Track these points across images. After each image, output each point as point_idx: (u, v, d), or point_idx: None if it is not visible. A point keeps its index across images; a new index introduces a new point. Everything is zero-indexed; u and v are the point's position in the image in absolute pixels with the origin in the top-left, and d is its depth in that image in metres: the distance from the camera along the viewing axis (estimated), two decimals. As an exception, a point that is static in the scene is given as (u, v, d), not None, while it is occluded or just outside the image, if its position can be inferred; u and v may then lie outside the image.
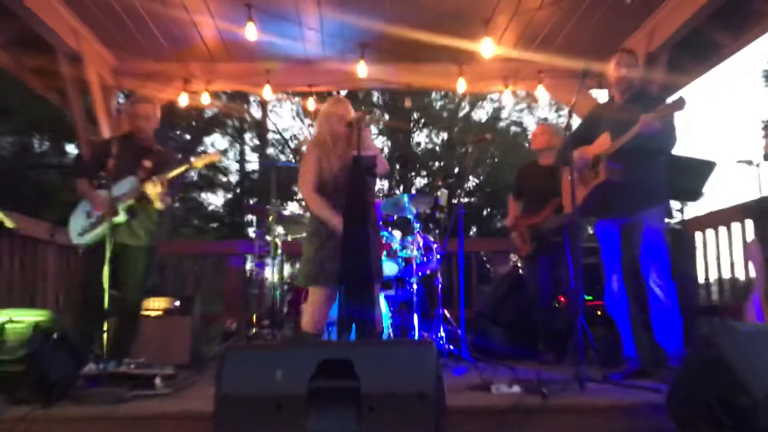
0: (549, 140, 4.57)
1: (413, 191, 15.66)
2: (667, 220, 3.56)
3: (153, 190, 3.60)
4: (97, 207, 3.65)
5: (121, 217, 3.62)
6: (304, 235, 3.64)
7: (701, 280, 4.94)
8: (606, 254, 3.56)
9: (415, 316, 4.36)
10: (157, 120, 3.93)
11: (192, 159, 3.85)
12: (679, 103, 3.04)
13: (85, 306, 3.65)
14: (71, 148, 14.20)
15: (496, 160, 17.63)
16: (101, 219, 3.63)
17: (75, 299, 4.32)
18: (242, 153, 19.14)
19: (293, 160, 17.66)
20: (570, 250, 4.08)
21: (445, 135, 18.82)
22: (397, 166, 17.93)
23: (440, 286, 4.55)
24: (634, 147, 3.22)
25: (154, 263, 4.06)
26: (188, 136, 16.35)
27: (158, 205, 3.69)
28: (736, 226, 4.47)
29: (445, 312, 4.47)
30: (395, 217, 5.54)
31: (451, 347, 4.23)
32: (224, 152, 18.09)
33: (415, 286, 4.48)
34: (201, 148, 17.50)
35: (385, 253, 4.48)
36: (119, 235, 3.63)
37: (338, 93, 15.83)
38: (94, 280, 3.64)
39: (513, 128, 18.84)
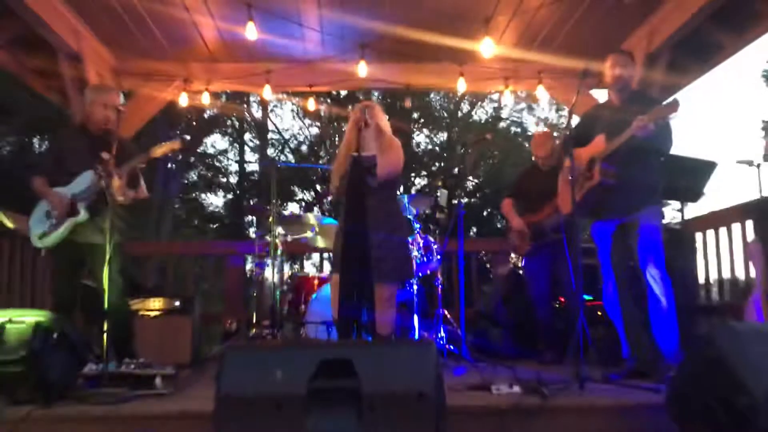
0: (553, 146, 4.59)
1: (413, 192, 15.65)
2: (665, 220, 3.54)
3: (113, 184, 3.30)
4: (57, 207, 3.45)
5: (82, 216, 3.43)
6: None
7: (701, 280, 4.94)
8: (603, 255, 3.55)
9: (415, 316, 4.36)
10: (103, 104, 3.56)
11: (151, 149, 3.56)
12: (673, 106, 3.04)
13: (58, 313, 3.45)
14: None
15: (496, 160, 17.65)
16: (62, 219, 3.45)
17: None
18: (242, 153, 19.17)
19: (293, 161, 17.68)
20: (568, 249, 4.09)
21: (444, 135, 18.84)
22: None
23: (440, 286, 4.54)
24: (629, 148, 3.22)
25: (127, 260, 3.87)
26: (188, 136, 16.35)
27: (120, 199, 3.46)
28: (736, 226, 4.47)
29: (445, 312, 4.47)
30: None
31: (451, 347, 4.23)
32: (220, 150, 17.94)
33: (415, 286, 4.48)
34: (201, 149, 17.54)
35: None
36: (84, 234, 3.46)
37: (338, 93, 15.88)
38: (63, 284, 3.58)
39: (513, 128, 18.88)
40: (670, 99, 3.10)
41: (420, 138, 19.01)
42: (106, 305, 3.11)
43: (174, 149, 3.71)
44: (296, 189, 17.93)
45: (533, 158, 4.80)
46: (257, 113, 18.44)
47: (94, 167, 3.42)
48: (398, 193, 3.89)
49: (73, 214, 3.45)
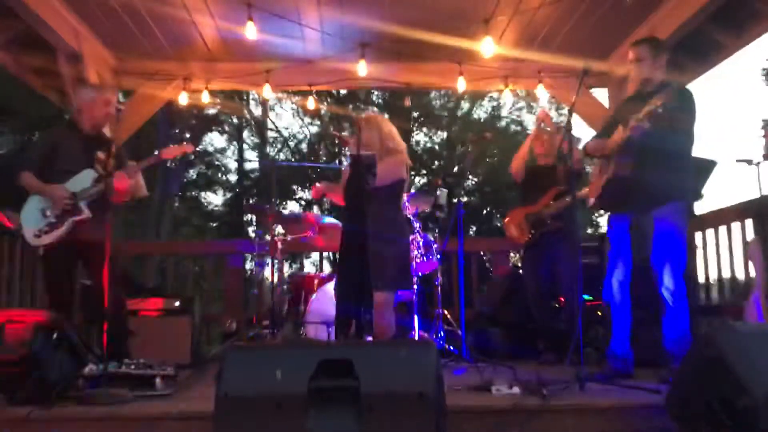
0: (551, 143, 4.60)
1: (413, 190, 15.62)
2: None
3: (121, 183, 3.33)
4: (58, 204, 3.40)
5: (85, 214, 3.40)
6: None
7: (701, 280, 4.94)
8: (613, 249, 3.50)
9: (415, 316, 4.36)
10: (105, 102, 3.58)
11: (162, 150, 3.59)
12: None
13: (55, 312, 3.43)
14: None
15: (495, 159, 17.63)
16: (62, 218, 3.41)
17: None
18: (241, 152, 19.14)
19: (292, 159, 17.66)
20: (568, 240, 4.11)
21: (444, 134, 18.83)
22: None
23: (440, 285, 4.54)
24: (642, 144, 3.20)
25: (125, 258, 3.85)
26: (188, 135, 16.32)
27: (138, 195, 3.54)
28: (736, 225, 4.46)
29: (445, 312, 4.46)
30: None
31: (451, 347, 4.23)
32: (223, 154, 17.88)
33: (415, 286, 4.47)
34: (200, 147, 17.52)
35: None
36: (82, 232, 3.42)
37: (338, 92, 15.88)
38: (59, 284, 3.54)
39: (512, 127, 18.87)
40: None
41: (420, 137, 19.01)
42: (105, 304, 3.09)
43: (185, 152, 3.72)
44: (296, 188, 17.91)
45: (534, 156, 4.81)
46: (256, 111, 18.44)
47: (93, 167, 3.41)
48: (402, 200, 3.88)
49: (76, 213, 3.42)
